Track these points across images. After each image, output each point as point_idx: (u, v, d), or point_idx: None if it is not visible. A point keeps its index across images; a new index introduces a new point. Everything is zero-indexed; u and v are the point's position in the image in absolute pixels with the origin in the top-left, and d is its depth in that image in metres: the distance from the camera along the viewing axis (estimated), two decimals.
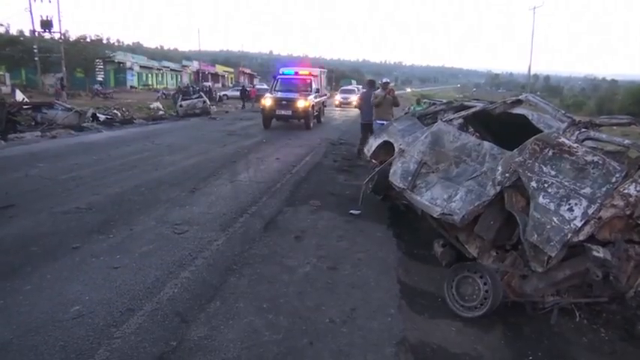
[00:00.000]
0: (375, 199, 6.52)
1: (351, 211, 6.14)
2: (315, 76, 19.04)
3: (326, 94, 23.04)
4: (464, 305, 3.67)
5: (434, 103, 7.33)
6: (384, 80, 11.31)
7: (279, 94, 16.50)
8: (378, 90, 11.50)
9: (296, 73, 18.89)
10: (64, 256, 4.34)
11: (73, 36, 38.38)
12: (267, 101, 16.14)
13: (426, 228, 5.24)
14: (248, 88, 34.80)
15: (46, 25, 30.47)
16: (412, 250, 5.01)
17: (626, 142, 3.75)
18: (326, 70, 23.84)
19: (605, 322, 3.65)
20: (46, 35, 31.95)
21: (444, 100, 7.07)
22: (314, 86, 17.63)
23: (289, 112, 15.97)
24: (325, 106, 21.79)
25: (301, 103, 15.89)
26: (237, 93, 34.08)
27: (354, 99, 32.86)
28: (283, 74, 18.77)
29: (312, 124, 16.83)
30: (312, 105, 16.63)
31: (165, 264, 4.25)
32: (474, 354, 3.19)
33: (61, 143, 11.66)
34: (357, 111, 25.82)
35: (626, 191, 3.25)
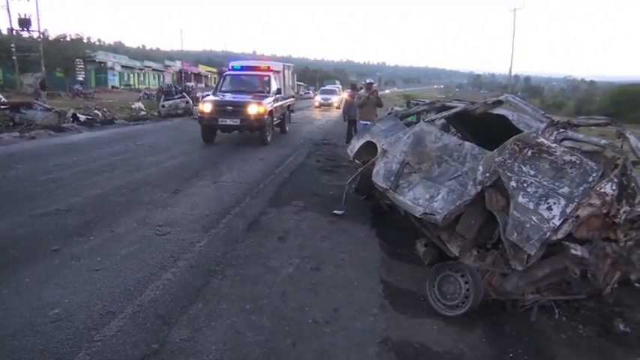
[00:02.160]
0: (358, 199, 6.54)
1: (335, 212, 6.15)
2: (277, 72, 14.74)
3: (293, 96, 17.43)
4: (446, 304, 3.70)
5: (417, 104, 7.40)
6: (368, 81, 11.38)
7: (224, 97, 12.28)
8: (362, 90, 11.57)
9: (250, 68, 14.34)
10: (43, 258, 4.27)
11: (52, 35, 37.86)
12: (206, 106, 11.64)
13: (408, 228, 5.27)
14: None
15: (24, 23, 29.92)
16: (395, 250, 5.04)
17: (603, 142, 3.82)
18: (292, 66, 18.22)
19: (584, 319, 3.72)
20: (25, 34, 31.37)
21: (427, 101, 7.13)
22: (274, 85, 13.09)
23: (236, 122, 11.44)
24: (292, 111, 17.29)
25: (253, 109, 11.38)
26: None
27: (336, 100, 32.68)
28: (233, 69, 14.48)
29: (269, 137, 12.33)
30: (271, 111, 12.22)
31: (147, 266, 4.21)
32: (456, 352, 3.22)
33: (40, 144, 11.44)
34: (339, 111, 25.89)
35: (602, 190, 3.32)
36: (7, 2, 29.06)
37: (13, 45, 30.03)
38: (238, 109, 11.51)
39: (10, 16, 29.52)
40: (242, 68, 14.48)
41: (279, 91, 13.34)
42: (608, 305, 3.82)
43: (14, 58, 30.36)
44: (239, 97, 12.06)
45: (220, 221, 5.61)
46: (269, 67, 14.23)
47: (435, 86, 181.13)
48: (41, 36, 31.75)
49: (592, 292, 3.64)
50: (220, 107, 11.61)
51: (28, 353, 2.85)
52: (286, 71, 16.44)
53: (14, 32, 30.64)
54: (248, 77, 13.82)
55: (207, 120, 11.66)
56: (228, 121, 11.51)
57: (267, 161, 9.96)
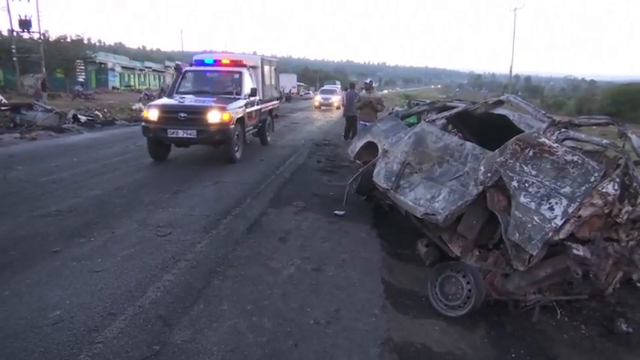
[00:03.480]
0: (359, 199, 6.54)
1: (336, 212, 6.14)
2: (254, 67, 11.33)
3: (277, 98, 13.96)
4: (447, 304, 3.70)
5: (417, 104, 7.40)
6: (368, 80, 11.37)
7: (179, 100, 9.50)
8: (363, 92, 11.55)
9: (217, 63, 11.06)
10: (43, 260, 4.26)
11: (52, 36, 37.77)
12: (152, 113, 8.86)
13: (409, 228, 5.26)
14: None
15: (25, 24, 29.89)
16: (396, 250, 5.03)
17: (605, 141, 3.81)
18: (275, 61, 14.56)
19: (586, 319, 3.71)
20: (25, 35, 31.35)
21: (428, 101, 7.13)
22: (247, 85, 10.19)
23: (192, 133, 8.67)
24: (277, 116, 14.30)
25: (214, 116, 8.67)
26: None
27: (336, 100, 32.49)
28: (195, 63, 11.34)
29: (239, 153, 9.60)
30: (241, 118, 9.55)
31: (148, 267, 4.20)
32: (458, 353, 3.21)
33: (40, 145, 11.44)
34: (339, 112, 25.86)
35: (604, 190, 3.31)
36: (8, 3, 29.08)
37: (13, 46, 30.03)
38: (194, 116, 8.73)
39: (10, 17, 29.54)
40: (207, 63, 11.11)
41: (254, 92, 10.18)
42: (610, 305, 3.81)
43: (15, 59, 30.36)
44: (197, 101, 9.36)
45: (221, 222, 5.60)
46: (241, 62, 10.92)
47: (433, 86, 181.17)
48: (42, 37, 31.72)
49: (594, 292, 3.62)
50: (170, 114, 8.79)
51: (29, 355, 2.84)
52: (267, 67, 12.46)
53: (15, 33, 30.62)
54: (214, 74, 10.88)
55: (154, 131, 8.81)
56: (181, 133, 8.67)
57: (267, 162, 9.95)
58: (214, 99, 9.45)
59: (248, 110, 10.08)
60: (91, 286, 3.78)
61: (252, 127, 10.83)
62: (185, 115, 8.73)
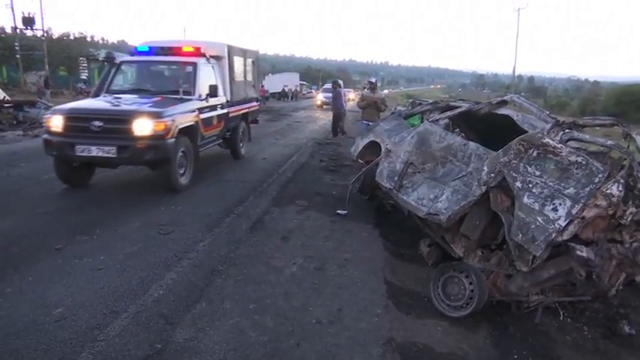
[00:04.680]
0: (361, 199, 6.54)
1: (338, 212, 6.13)
2: (218, 58, 8.50)
3: (256, 99, 10.89)
4: (450, 305, 3.69)
5: (420, 104, 7.38)
6: (370, 80, 11.35)
7: (101, 102, 7.01)
8: (365, 90, 11.54)
9: (167, 51, 8.09)
10: (46, 257, 4.26)
11: (56, 33, 37.85)
12: (55, 121, 6.29)
13: (412, 228, 5.25)
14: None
15: (28, 21, 29.92)
16: (399, 250, 5.03)
17: (609, 142, 3.80)
18: (255, 52, 11.25)
19: (589, 321, 3.71)
20: (28, 32, 31.43)
21: (430, 101, 7.12)
22: (202, 81, 7.55)
23: (111, 150, 6.10)
24: (256, 121, 11.24)
25: (142, 127, 6.11)
26: None
27: None
28: (137, 51, 8.32)
29: (186, 177, 6.99)
30: (190, 128, 6.94)
31: (150, 265, 4.20)
32: (460, 353, 3.21)
33: None
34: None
35: (608, 191, 3.30)
36: (11, 1, 29.14)
37: (17, 43, 30.15)
38: (114, 126, 6.10)
39: (14, 14, 29.63)
40: (151, 51, 8.12)
41: (214, 91, 7.60)
42: (613, 307, 3.81)
43: (18, 56, 30.47)
44: (126, 104, 6.66)
45: (224, 220, 5.60)
46: (197, 50, 7.97)
47: (433, 86, 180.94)
48: (45, 34, 31.79)
49: (597, 294, 3.62)
50: (80, 123, 6.18)
51: (32, 352, 2.85)
52: (238, 59, 9.47)
53: (18, 31, 30.71)
54: (158, 67, 8.25)
55: (57, 147, 6.24)
56: (95, 151, 6.06)
57: (270, 161, 9.95)
58: (155, 100, 6.86)
59: (204, 116, 7.41)
60: (93, 283, 3.79)
61: (214, 138, 8.27)
62: (100, 124, 6.02)
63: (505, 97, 5.15)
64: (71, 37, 39.21)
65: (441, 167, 4.55)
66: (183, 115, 6.74)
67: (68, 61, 36.27)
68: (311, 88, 64.80)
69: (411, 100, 7.97)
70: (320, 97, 33.14)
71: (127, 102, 6.77)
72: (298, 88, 46.05)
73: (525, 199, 3.50)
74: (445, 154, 4.58)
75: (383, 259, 4.72)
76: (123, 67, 8.02)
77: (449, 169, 4.44)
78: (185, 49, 8.00)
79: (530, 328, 3.55)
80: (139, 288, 3.74)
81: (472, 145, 4.44)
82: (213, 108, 7.92)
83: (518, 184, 3.60)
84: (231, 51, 9.09)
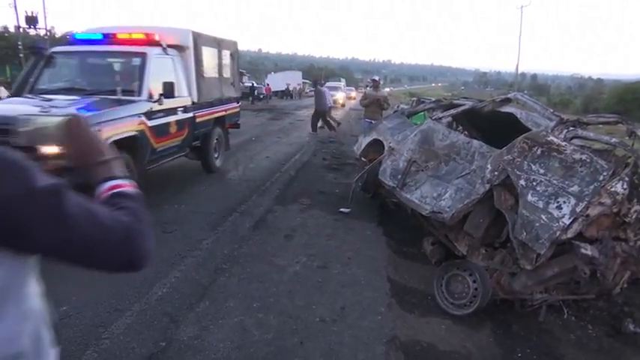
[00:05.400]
0: (364, 197, 6.53)
1: (341, 210, 6.13)
2: (180, 48, 6.80)
3: (235, 99, 9.11)
4: (453, 303, 3.69)
5: (423, 102, 7.36)
6: (374, 78, 11.34)
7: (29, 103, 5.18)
8: (368, 88, 11.53)
9: (112, 40, 6.36)
10: None
11: (59, 32, 37.89)
12: None
13: (415, 226, 5.25)
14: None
15: (31, 21, 30.00)
16: (402, 249, 5.02)
17: (613, 140, 3.79)
18: (232, 43, 8.82)
19: (593, 319, 3.70)
20: (32, 31, 31.51)
21: (433, 99, 7.10)
22: (153, 77, 5.91)
23: None
24: (237, 125, 9.42)
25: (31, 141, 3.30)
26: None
27: (340, 97, 32.46)
28: (75, 39, 6.80)
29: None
30: (132, 139, 5.38)
31: (154, 263, 4.20)
32: (464, 351, 3.21)
33: None
34: (343, 109, 25.84)
35: (613, 189, 3.29)
36: (15, 0, 29.20)
37: (20, 42, 30.18)
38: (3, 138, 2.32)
39: (17, 13, 29.69)
40: (93, 40, 6.49)
41: (169, 90, 5.95)
42: (617, 305, 3.80)
43: (21, 55, 30.50)
44: (22, 109, 4.78)
45: (227, 219, 5.60)
46: (149, 37, 6.29)
47: (434, 84, 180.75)
48: (48, 33, 31.86)
49: (601, 292, 3.61)
50: None
51: None
52: (207, 50, 7.54)
53: (21, 30, 30.78)
54: (98, 60, 6.55)
55: None
56: None
57: (273, 159, 9.95)
58: (85, 102, 5.21)
59: (156, 122, 5.85)
60: (97, 282, 3.79)
61: (174, 149, 6.68)
62: None
63: (508, 95, 5.14)
64: None
65: (444, 165, 4.54)
66: (117, 123, 5.10)
67: None
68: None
69: (414, 99, 7.94)
70: None
71: (36, 105, 5.00)
72: (301, 87, 46.00)
73: (529, 197, 3.49)
74: (448, 152, 4.57)
75: (386, 258, 4.72)
76: (54, 59, 6.37)
77: (452, 167, 4.43)
78: (134, 36, 6.29)
79: (534, 327, 3.55)
80: (143, 286, 3.75)
81: (475, 143, 4.44)
82: (171, 112, 6.26)
83: (522, 182, 3.59)
84: (199, 40, 7.18)
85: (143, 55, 6.00)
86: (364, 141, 6.56)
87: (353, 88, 51.97)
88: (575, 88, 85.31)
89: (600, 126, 5.29)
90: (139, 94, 5.72)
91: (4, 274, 0.80)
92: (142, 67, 5.92)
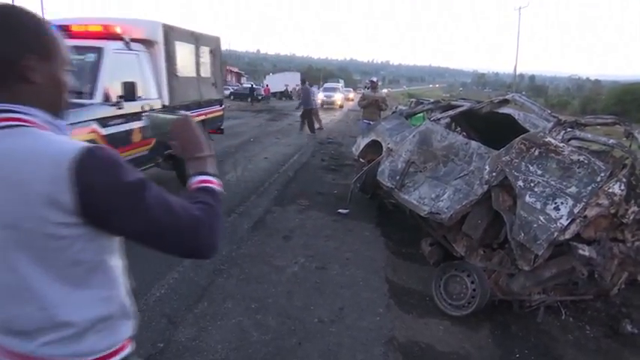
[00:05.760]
0: (362, 198, 6.53)
1: (339, 211, 6.14)
2: (149, 42, 5.91)
3: (218, 102, 8.21)
4: (452, 304, 3.69)
5: (421, 103, 7.37)
6: (372, 79, 11.35)
7: None
8: (367, 89, 11.55)
9: (65, 32, 4.78)
10: None
11: None
12: None
13: (414, 227, 5.26)
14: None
15: None
16: (400, 249, 5.03)
17: (611, 141, 3.80)
18: (213, 39, 7.89)
19: (591, 320, 3.71)
20: None
21: (432, 100, 7.11)
22: (110, 75, 4.99)
23: None
24: (221, 130, 8.65)
25: None
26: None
27: (339, 98, 32.43)
28: None
29: None
30: None
31: (152, 265, 4.19)
32: (462, 352, 3.21)
33: None
34: (341, 110, 25.85)
35: (610, 190, 3.29)
36: (13, 1, 29.19)
37: None
38: None
39: None
40: None
41: (130, 92, 5.04)
42: (615, 306, 3.81)
43: None
44: None
45: (225, 220, 5.59)
46: (108, 30, 5.42)
47: (431, 85, 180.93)
48: None
49: (599, 293, 3.62)
50: None
51: None
52: (182, 46, 6.70)
53: None
54: None
55: None
56: None
57: (271, 160, 9.95)
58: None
59: (113, 130, 4.99)
60: None
61: (143, 159, 5.76)
62: None
63: (506, 96, 5.14)
64: None
65: (442, 166, 4.55)
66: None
67: None
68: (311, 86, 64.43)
69: (413, 100, 7.95)
70: (320, 96, 33.05)
71: None
72: (299, 88, 46.02)
73: (527, 198, 3.49)
74: (447, 153, 4.58)
75: (384, 259, 4.73)
76: None
77: (450, 168, 4.44)
78: (90, 28, 5.46)
79: (532, 328, 3.55)
80: (141, 287, 3.74)
81: (474, 144, 4.44)
82: (134, 117, 5.27)
83: (520, 183, 3.60)
84: (171, 34, 6.29)
85: (98, 50, 5.06)
86: (362, 142, 6.57)
87: (351, 89, 51.95)
88: (574, 89, 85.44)
89: (598, 127, 5.30)
90: (92, 96, 4.79)
91: (97, 249, 1.01)
92: (97, 65, 4.98)
